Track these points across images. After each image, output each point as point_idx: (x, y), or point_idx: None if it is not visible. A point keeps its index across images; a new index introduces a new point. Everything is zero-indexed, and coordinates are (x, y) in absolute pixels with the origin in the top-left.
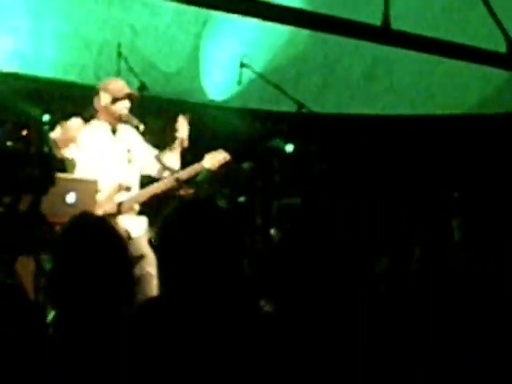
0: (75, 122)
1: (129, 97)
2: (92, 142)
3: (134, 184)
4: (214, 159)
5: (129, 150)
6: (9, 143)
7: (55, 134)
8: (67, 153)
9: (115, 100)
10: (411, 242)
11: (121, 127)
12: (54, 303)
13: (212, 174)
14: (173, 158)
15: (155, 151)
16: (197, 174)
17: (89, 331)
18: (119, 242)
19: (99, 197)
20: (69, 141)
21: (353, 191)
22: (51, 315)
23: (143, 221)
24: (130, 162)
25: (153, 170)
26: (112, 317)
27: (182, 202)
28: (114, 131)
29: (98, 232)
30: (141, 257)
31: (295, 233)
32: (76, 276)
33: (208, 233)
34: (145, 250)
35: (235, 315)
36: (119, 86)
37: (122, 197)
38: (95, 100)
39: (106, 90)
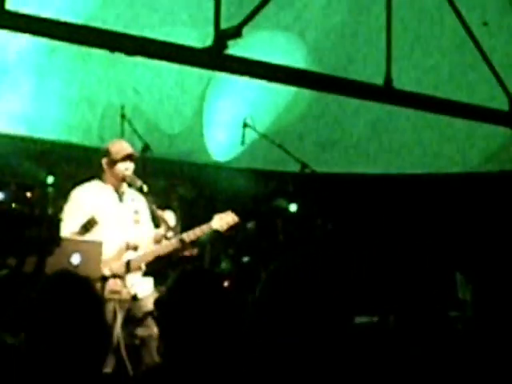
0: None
1: (130, 158)
2: (97, 204)
3: (142, 244)
4: (222, 221)
5: (136, 212)
6: (13, 205)
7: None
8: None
9: (116, 161)
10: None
11: (128, 189)
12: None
13: (219, 236)
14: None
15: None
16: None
17: None
18: (96, 303)
19: (106, 256)
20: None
21: (355, 249)
22: None
23: (149, 281)
24: (137, 222)
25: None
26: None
27: (182, 272)
28: (120, 193)
29: (74, 290)
30: (146, 316)
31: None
32: (47, 333)
33: (207, 303)
34: (151, 308)
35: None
36: (119, 147)
37: (129, 256)
38: (101, 163)
39: (107, 152)
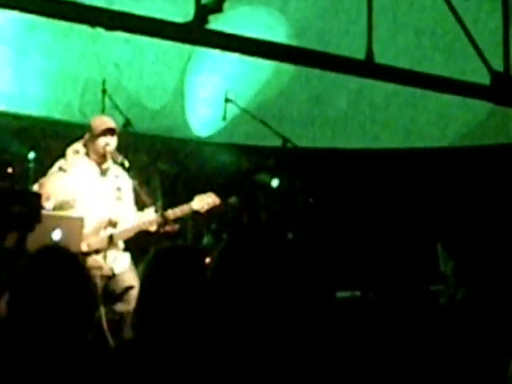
0: (52, 178)
1: (111, 132)
2: (79, 179)
3: (123, 221)
4: (203, 201)
5: (119, 188)
6: None
7: (36, 188)
8: (47, 206)
9: (97, 136)
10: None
11: (112, 166)
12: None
13: (199, 216)
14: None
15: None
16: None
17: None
18: (82, 277)
19: (85, 231)
20: (45, 197)
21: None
22: None
23: (127, 256)
24: (119, 199)
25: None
26: (72, 351)
27: (160, 249)
28: (103, 169)
29: (60, 264)
30: (125, 291)
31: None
32: (33, 306)
33: (181, 278)
34: (130, 283)
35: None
36: (99, 122)
37: (108, 232)
38: (84, 138)
39: (89, 127)
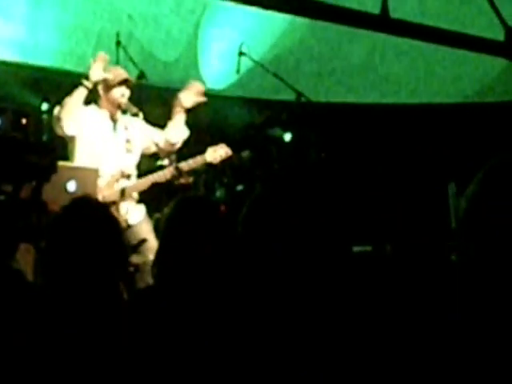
0: (76, 98)
1: (126, 84)
2: (92, 129)
3: (133, 173)
4: (215, 153)
5: (128, 140)
6: (10, 131)
7: (57, 111)
8: (68, 130)
9: (111, 87)
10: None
11: (121, 117)
12: (45, 281)
13: (212, 167)
14: (178, 128)
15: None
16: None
17: (82, 315)
18: (116, 228)
19: (99, 183)
20: (69, 116)
21: (349, 180)
22: None
23: (142, 208)
24: (129, 151)
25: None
26: (107, 301)
27: (181, 199)
28: (114, 120)
29: (95, 215)
30: (141, 243)
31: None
32: (68, 257)
33: (203, 229)
34: (145, 235)
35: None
36: (115, 73)
37: (122, 184)
38: (98, 88)
39: (104, 78)
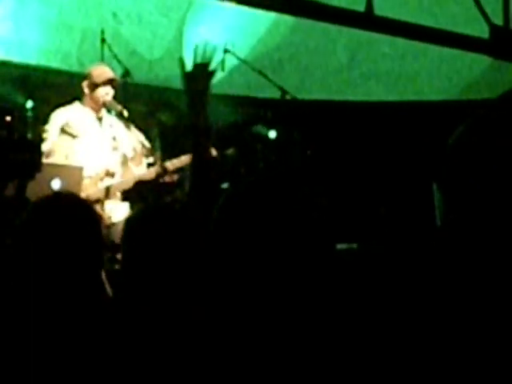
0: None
1: (110, 83)
2: (77, 128)
3: (118, 171)
4: None
5: (114, 138)
6: None
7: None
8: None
9: (96, 86)
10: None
11: (106, 115)
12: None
13: None
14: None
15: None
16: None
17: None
18: (95, 226)
19: (83, 181)
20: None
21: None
22: None
23: (125, 206)
24: (115, 149)
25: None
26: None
27: (146, 206)
28: (99, 118)
29: (75, 211)
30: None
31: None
32: (42, 252)
33: (168, 237)
34: None
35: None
36: (100, 71)
37: (107, 183)
38: (82, 86)
39: (88, 76)
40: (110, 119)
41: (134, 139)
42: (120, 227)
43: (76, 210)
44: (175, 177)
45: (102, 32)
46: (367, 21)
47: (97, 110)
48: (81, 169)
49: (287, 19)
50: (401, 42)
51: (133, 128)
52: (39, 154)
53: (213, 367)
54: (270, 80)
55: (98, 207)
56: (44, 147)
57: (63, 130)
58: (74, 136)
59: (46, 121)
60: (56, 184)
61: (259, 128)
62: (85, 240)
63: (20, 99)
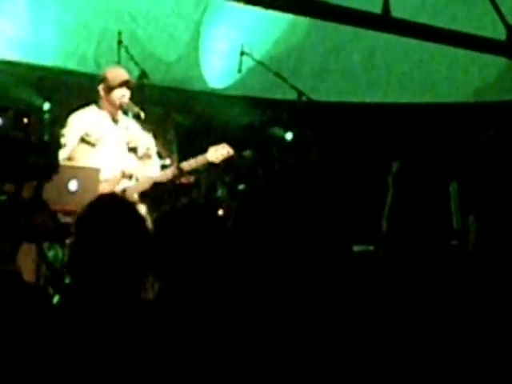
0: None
1: (127, 84)
2: (95, 136)
3: (135, 173)
4: (217, 152)
5: (130, 141)
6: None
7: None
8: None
9: (112, 88)
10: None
11: (122, 117)
12: (73, 278)
13: (214, 167)
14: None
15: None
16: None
17: (101, 310)
18: (143, 225)
19: (100, 184)
20: None
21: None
22: (55, 299)
23: (142, 208)
24: (131, 151)
25: None
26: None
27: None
28: (115, 120)
29: (120, 210)
30: None
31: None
32: (96, 253)
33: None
34: None
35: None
36: (116, 73)
37: (124, 185)
38: (98, 89)
39: (103, 80)
40: (127, 121)
41: (148, 140)
42: None
43: (127, 215)
44: (192, 178)
45: (119, 34)
46: (384, 23)
47: (113, 113)
48: (98, 170)
49: (304, 21)
50: (417, 43)
51: (145, 132)
52: (56, 155)
53: (225, 365)
54: (286, 82)
55: None
56: (63, 153)
57: (83, 140)
58: (92, 145)
59: (63, 123)
60: (73, 185)
61: (276, 130)
62: (137, 242)
63: (37, 101)
